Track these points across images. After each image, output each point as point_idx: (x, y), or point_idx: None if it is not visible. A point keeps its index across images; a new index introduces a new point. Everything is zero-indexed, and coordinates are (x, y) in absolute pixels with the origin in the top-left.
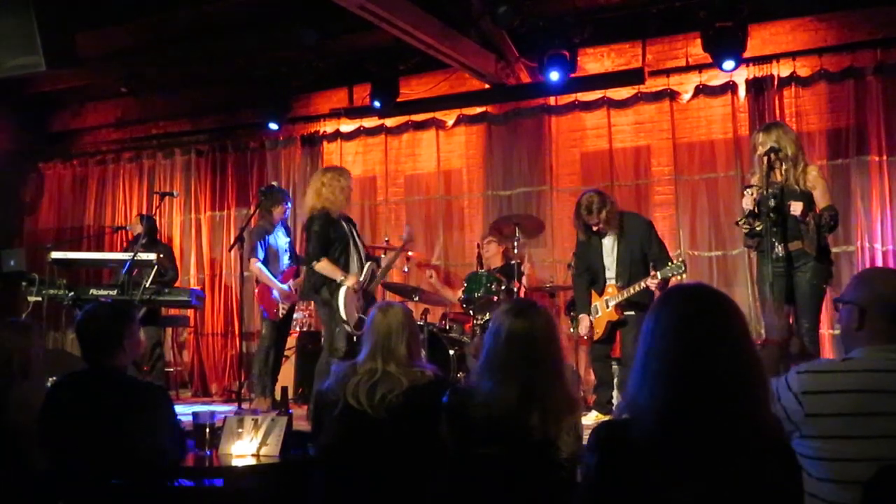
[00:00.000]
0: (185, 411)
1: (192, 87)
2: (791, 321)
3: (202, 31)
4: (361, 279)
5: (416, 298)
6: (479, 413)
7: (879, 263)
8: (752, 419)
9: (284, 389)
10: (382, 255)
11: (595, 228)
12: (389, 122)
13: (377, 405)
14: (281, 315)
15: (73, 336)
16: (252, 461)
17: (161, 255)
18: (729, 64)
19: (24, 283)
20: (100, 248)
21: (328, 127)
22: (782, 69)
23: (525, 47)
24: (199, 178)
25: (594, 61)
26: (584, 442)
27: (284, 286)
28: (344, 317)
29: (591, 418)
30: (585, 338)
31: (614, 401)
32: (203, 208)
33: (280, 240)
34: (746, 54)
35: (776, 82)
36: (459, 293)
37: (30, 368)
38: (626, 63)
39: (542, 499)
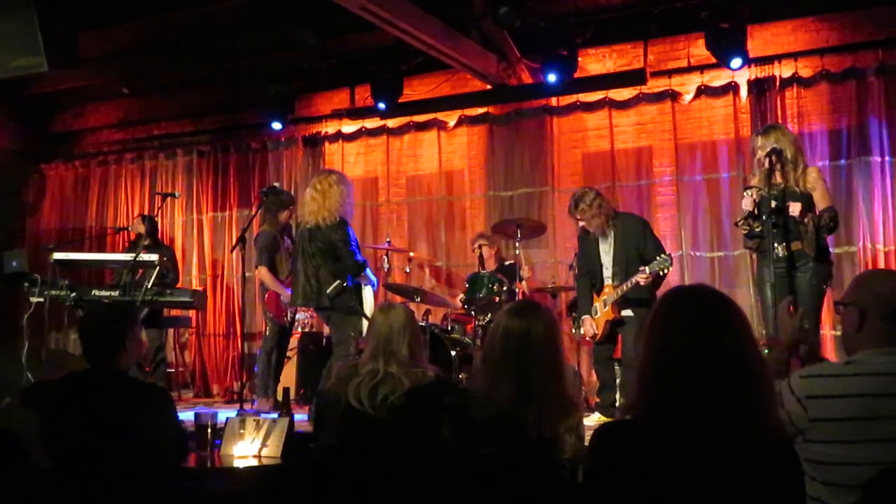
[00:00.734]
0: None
1: (194, 87)
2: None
3: (204, 32)
4: None
5: (418, 299)
6: (479, 413)
7: (881, 264)
8: (753, 421)
9: (286, 391)
10: (385, 256)
11: (581, 226)
12: (391, 122)
13: (379, 406)
14: (289, 320)
15: (75, 337)
16: (254, 462)
17: (164, 258)
18: (736, 62)
19: (26, 284)
20: (102, 249)
21: (330, 128)
22: (784, 70)
23: (527, 48)
24: (201, 178)
25: (596, 62)
26: (587, 443)
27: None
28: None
29: (593, 420)
30: (588, 339)
31: (618, 403)
32: (205, 209)
33: (285, 242)
34: (748, 55)
35: (778, 83)
36: (460, 295)
37: None
38: (627, 64)
39: (543, 499)
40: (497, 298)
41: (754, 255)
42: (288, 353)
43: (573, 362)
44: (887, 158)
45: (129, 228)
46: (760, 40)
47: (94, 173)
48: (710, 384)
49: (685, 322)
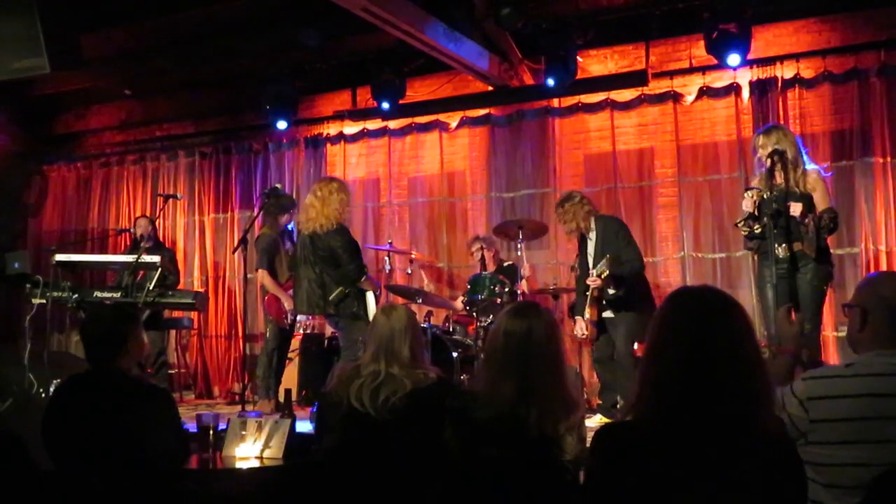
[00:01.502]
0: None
1: (196, 89)
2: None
3: (206, 34)
4: None
5: (420, 301)
6: (480, 414)
7: (883, 265)
8: (755, 421)
9: (288, 392)
10: (386, 257)
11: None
12: (393, 124)
13: (381, 407)
14: (289, 322)
15: (78, 338)
16: (255, 463)
17: (166, 260)
18: (734, 58)
19: (27, 286)
20: (104, 251)
21: (332, 129)
22: (786, 71)
23: (528, 49)
24: (203, 180)
25: (597, 63)
26: (588, 444)
27: (290, 292)
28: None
29: (595, 421)
30: (580, 339)
31: (619, 404)
32: (206, 210)
33: (286, 245)
34: (750, 56)
35: (780, 84)
36: (461, 297)
37: None
38: (629, 65)
39: (545, 500)
40: (498, 300)
41: (755, 257)
42: (290, 355)
43: (575, 363)
44: (889, 159)
45: (131, 230)
46: (762, 41)
47: (96, 175)
48: (710, 385)
49: (686, 323)
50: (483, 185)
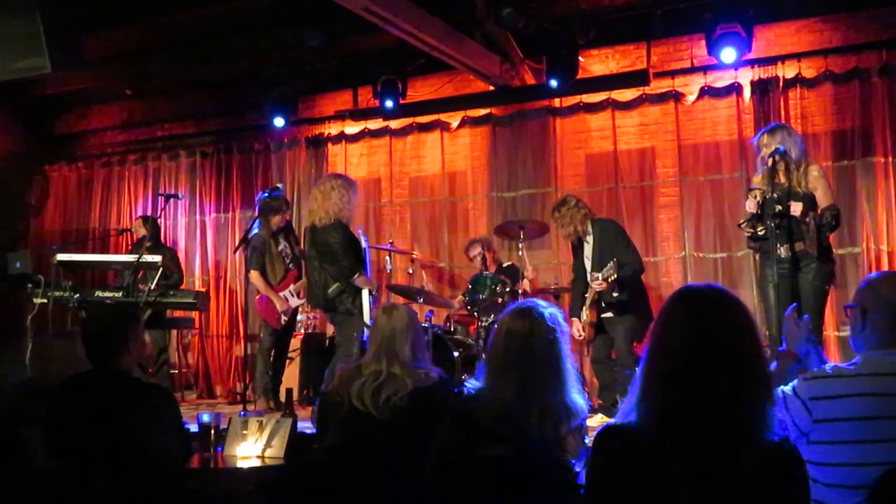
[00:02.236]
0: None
1: (197, 89)
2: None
3: (207, 34)
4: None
5: (421, 300)
6: (482, 414)
7: (885, 265)
8: (756, 421)
9: (289, 391)
10: (387, 257)
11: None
12: (394, 123)
13: (382, 407)
14: (282, 323)
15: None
16: (257, 463)
17: (168, 260)
18: (728, 55)
19: (29, 285)
20: (105, 251)
21: (333, 129)
22: (787, 70)
23: (529, 49)
24: (204, 180)
25: (599, 63)
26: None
27: (284, 292)
28: (367, 319)
29: (596, 420)
30: (577, 340)
31: (619, 403)
32: (208, 210)
33: (279, 245)
34: (751, 56)
35: (781, 84)
36: (459, 297)
37: None
38: (630, 64)
39: (546, 501)
40: (500, 299)
41: (757, 256)
42: (291, 354)
43: (576, 363)
44: (891, 159)
45: (132, 230)
46: (764, 41)
47: (98, 175)
48: (712, 385)
49: (689, 322)
50: (484, 185)
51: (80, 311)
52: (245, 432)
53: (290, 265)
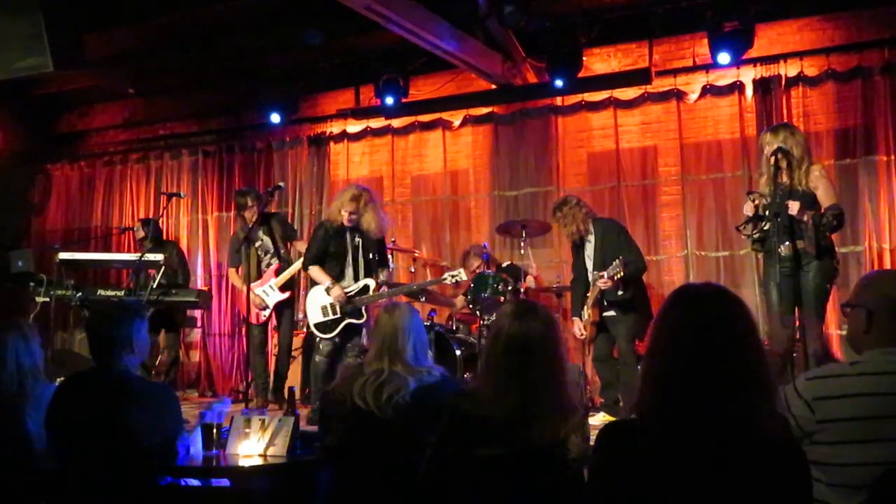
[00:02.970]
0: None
1: (199, 88)
2: (796, 330)
3: (209, 33)
4: (348, 290)
5: (423, 299)
6: (482, 413)
7: (887, 263)
8: (758, 420)
9: (292, 390)
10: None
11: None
12: (396, 122)
13: (384, 405)
14: (262, 319)
15: (81, 337)
16: (259, 461)
17: (167, 256)
18: (724, 57)
19: (31, 284)
20: (107, 249)
21: (335, 128)
22: (790, 69)
23: (531, 47)
24: (206, 178)
25: (601, 61)
26: (592, 442)
27: (263, 288)
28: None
29: (598, 419)
30: (579, 339)
31: (622, 402)
32: (210, 209)
33: (257, 241)
34: (754, 54)
35: (783, 82)
36: (460, 297)
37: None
38: (632, 63)
39: (548, 500)
40: (502, 298)
41: (760, 255)
42: (293, 353)
43: (579, 362)
44: (893, 158)
45: (134, 229)
46: (766, 39)
47: (100, 173)
48: (712, 383)
49: (688, 321)
50: (486, 184)
51: (82, 310)
52: (247, 431)
53: (272, 260)
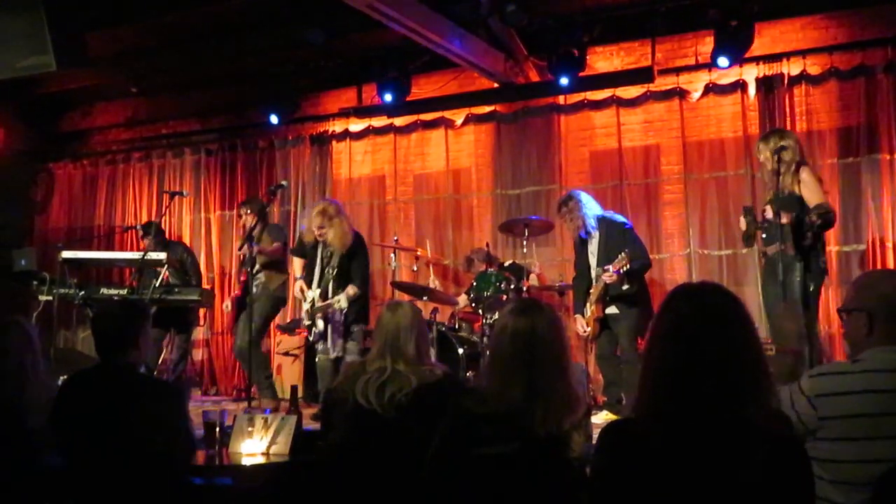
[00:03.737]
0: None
1: (202, 86)
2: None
3: (211, 32)
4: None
5: (425, 298)
6: (486, 411)
7: (890, 262)
8: (758, 418)
9: (294, 388)
10: (392, 255)
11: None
12: (398, 121)
13: (386, 404)
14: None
15: (84, 335)
16: (262, 460)
17: (177, 256)
18: (724, 61)
19: (34, 283)
20: (110, 248)
21: (337, 126)
22: (792, 67)
23: (534, 46)
24: (209, 177)
25: (603, 60)
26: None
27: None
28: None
29: (601, 417)
30: (582, 336)
31: (625, 400)
32: (212, 207)
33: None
34: (756, 52)
35: (786, 80)
36: (462, 295)
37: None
38: (635, 62)
39: (551, 498)
40: (504, 296)
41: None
42: (294, 352)
43: (582, 360)
44: None
45: (137, 227)
46: (768, 38)
47: (103, 172)
48: (710, 382)
49: (686, 320)
50: (489, 182)
51: (85, 308)
52: (250, 429)
53: (243, 267)
